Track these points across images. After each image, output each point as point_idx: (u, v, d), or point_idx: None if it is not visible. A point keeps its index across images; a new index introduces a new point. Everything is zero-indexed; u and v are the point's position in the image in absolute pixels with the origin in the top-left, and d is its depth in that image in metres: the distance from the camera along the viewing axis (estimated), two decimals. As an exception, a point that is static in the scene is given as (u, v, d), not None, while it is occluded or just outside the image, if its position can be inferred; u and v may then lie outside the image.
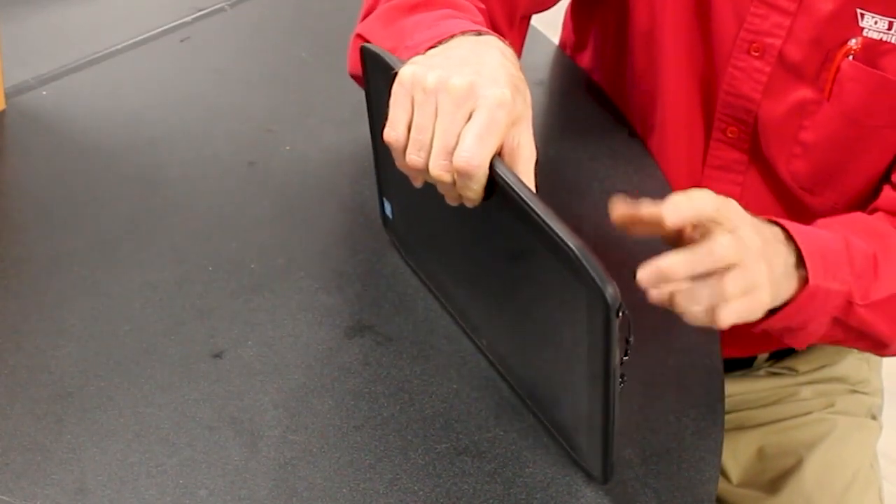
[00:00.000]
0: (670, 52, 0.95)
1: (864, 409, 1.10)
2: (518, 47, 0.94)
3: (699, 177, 0.99)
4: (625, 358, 0.64)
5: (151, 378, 0.74)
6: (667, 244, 0.74)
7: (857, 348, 0.98)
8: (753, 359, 1.09)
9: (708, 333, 0.81)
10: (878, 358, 1.12)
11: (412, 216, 0.83)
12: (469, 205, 0.68)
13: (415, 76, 0.67)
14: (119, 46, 1.09)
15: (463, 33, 0.73)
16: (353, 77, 0.89)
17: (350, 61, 0.89)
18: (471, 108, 0.66)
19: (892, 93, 0.87)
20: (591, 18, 1.08)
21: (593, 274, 0.60)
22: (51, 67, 1.04)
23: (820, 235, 0.80)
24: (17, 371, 0.74)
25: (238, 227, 0.88)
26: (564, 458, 0.72)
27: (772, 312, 0.77)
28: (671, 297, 0.69)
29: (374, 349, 0.78)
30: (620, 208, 0.73)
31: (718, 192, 0.98)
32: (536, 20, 1.02)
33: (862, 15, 0.85)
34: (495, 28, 0.88)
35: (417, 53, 0.72)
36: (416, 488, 0.69)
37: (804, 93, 0.90)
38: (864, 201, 0.94)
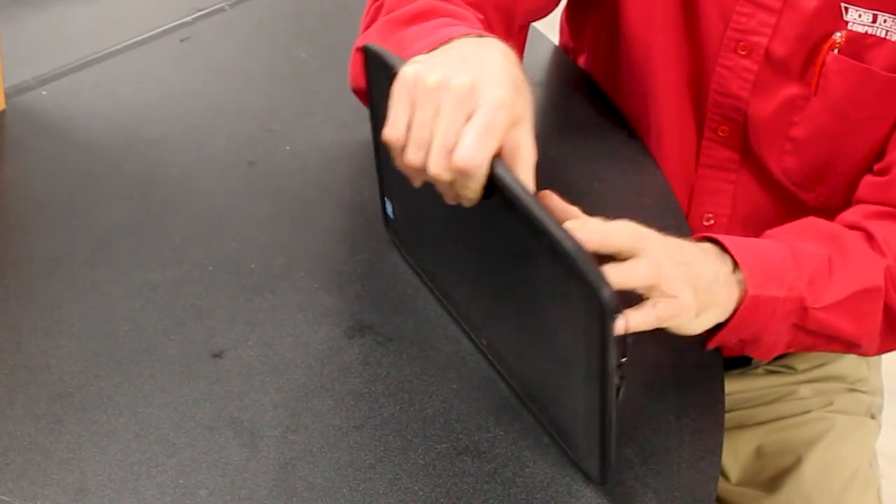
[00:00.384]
0: (660, 54, 0.96)
1: (863, 408, 1.10)
2: (518, 56, 0.95)
3: (693, 176, 0.99)
4: (623, 360, 0.64)
5: (151, 378, 0.74)
6: None
7: (831, 351, 0.98)
8: (751, 357, 1.09)
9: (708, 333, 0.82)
10: (876, 357, 1.12)
11: (413, 216, 0.83)
12: (467, 204, 0.68)
13: (416, 75, 0.67)
14: (119, 46, 1.09)
15: (464, 36, 0.73)
16: (355, 92, 0.90)
17: (351, 76, 0.90)
18: (471, 109, 0.66)
19: (876, 85, 0.87)
20: (585, 23, 1.09)
21: (590, 276, 0.60)
22: (51, 67, 1.04)
23: (759, 246, 0.81)
24: (17, 371, 0.74)
25: (238, 227, 0.88)
26: (564, 459, 0.72)
27: (720, 327, 0.78)
28: None
29: (374, 349, 0.78)
30: (551, 200, 0.74)
31: (712, 190, 0.99)
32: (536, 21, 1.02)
33: (846, 9, 0.86)
34: None
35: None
36: (416, 488, 0.69)
37: (792, 89, 0.91)
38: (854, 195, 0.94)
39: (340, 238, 0.89)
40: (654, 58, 0.96)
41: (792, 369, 1.09)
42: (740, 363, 1.09)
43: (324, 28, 1.17)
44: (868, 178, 0.91)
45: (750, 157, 0.97)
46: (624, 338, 0.65)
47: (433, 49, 0.72)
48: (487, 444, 0.72)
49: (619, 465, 0.71)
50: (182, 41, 1.11)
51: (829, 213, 0.95)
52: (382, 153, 0.81)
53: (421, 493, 0.69)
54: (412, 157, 0.67)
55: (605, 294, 0.60)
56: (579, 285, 0.61)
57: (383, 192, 0.85)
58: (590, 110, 1.07)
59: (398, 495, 0.69)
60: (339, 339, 0.79)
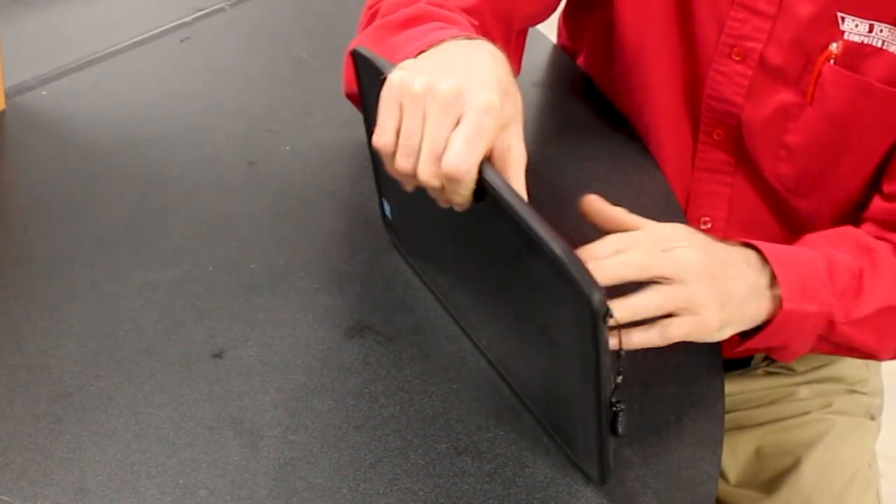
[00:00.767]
0: (655, 57, 0.96)
1: (863, 409, 1.10)
2: (516, 62, 0.95)
3: (689, 179, 0.99)
4: (619, 380, 0.65)
5: (151, 378, 0.74)
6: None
7: (849, 356, 0.99)
8: (751, 358, 1.09)
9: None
10: (877, 358, 1.12)
11: (411, 217, 0.83)
12: (458, 209, 0.68)
13: (403, 82, 0.67)
14: (119, 46, 1.09)
15: (453, 38, 0.73)
16: (349, 97, 0.90)
17: (345, 80, 0.90)
18: (458, 114, 0.66)
19: (874, 97, 0.87)
20: (582, 26, 1.09)
21: (579, 279, 0.60)
22: (51, 67, 1.04)
23: (799, 256, 0.82)
24: (17, 371, 0.74)
25: (238, 227, 0.88)
26: (564, 459, 0.72)
27: (750, 334, 0.79)
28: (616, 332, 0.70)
29: (374, 349, 0.78)
30: (595, 204, 0.77)
31: (708, 193, 0.99)
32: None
33: (843, 18, 0.85)
34: None
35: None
36: (416, 488, 0.69)
37: (786, 96, 0.90)
38: (851, 203, 0.95)
39: (340, 238, 0.89)
40: (649, 61, 0.96)
41: (791, 370, 1.09)
42: (740, 364, 1.09)
43: (324, 28, 1.17)
44: (878, 201, 0.91)
45: (745, 162, 0.97)
46: (618, 353, 0.65)
47: (422, 52, 0.72)
48: (487, 444, 0.72)
49: (619, 465, 0.71)
50: (182, 41, 1.11)
51: (823, 219, 0.95)
52: (377, 156, 0.81)
53: (421, 493, 0.69)
54: (402, 163, 0.67)
55: (595, 298, 0.60)
56: (570, 288, 0.61)
57: (381, 194, 0.85)
58: (590, 110, 1.07)
59: (398, 495, 0.69)
60: (339, 339, 0.79)
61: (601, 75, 1.08)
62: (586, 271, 0.60)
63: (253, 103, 1.03)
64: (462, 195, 0.66)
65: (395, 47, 0.77)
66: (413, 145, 0.67)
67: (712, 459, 0.74)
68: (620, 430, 0.66)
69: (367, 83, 0.75)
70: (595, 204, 0.77)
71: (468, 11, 0.86)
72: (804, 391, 1.09)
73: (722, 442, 0.75)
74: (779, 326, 0.79)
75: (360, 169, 0.94)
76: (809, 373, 1.09)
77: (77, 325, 0.78)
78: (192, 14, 1.15)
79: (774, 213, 0.98)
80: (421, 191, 0.70)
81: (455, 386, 0.76)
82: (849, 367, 1.10)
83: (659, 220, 0.78)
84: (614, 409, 0.66)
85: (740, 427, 1.08)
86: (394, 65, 0.69)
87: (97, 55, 1.07)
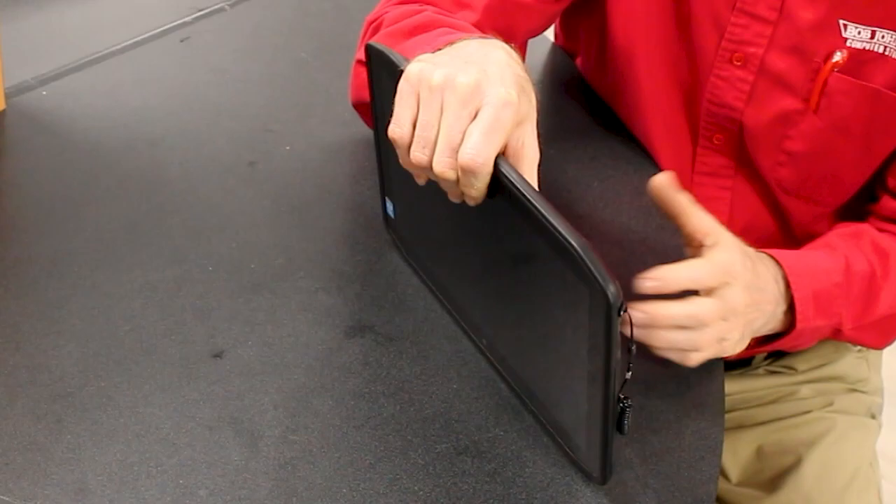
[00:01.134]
0: (647, 63, 0.96)
1: (864, 408, 1.10)
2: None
3: (689, 183, 0.99)
4: (627, 376, 0.65)
5: (151, 378, 0.74)
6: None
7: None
8: (752, 357, 1.09)
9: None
10: (877, 357, 1.12)
11: (415, 215, 0.83)
12: (471, 203, 0.68)
13: (421, 73, 0.67)
14: (119, 46, 1.09)
15: (467, 37, 0.73)
16: (356, 106, 0.90)
17: (353, 88, 0.90)
18: (476, 107, 0.66)
19: (882, 103, 0.87)
20: (577, 30, 1.09)
21: (596, 272, 0.60)
22: (51, 67, 1.04)
23: (819, 269, 0.84)
24: (17, 371, 0.74)
25: (238, 227, 0.88)
26: (564, 459, 0.72)
27: (760, 342, 0.84)
28: (648, 334, 0.73)
29: (374, 349, 0.78)
30: (664, 187, 0.78)
31: (708, 197, 0.99)
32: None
33: (845, 25, 0.85)
34: None
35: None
36: (416, 488, 0.69)
37: (788, 102, 0.90)
38: (851, 207, 0.95)
39: (340, 238, 0.89)
40: (643, 67, 0.96)
41: (792, 369, 1.09)
42: (741, 363, 1.09)
43: (324, 28, 1.17)
44: (888, 199, 0.92)
45: (745, 166, 0.97)
46: (629, 349, 0.65)
47: (438, 50, 0.72)
48: (487, 444, 0.72)
49: (619, 465, 0.71)
50: (182, 41, 1.11)
51: (823, 221, 0.95)
52: (385, 152, 0.80)
53: (421, 493, 0.69)
54: (417, 155, 0.67)
55: (611, 290, 0.60)
56: (585, 283, 0.61)
57: (384, 192, 0.85)
58: (590, 109, 1.07)
59: (398, 495, 0.69)
60: (339, 339, 0.79)
61: (595, 79, 1.07)
62: (602, 264, 0.60)
63: (253, 103, 1.03)
64: (477, 188, 0.66)
65: (405, 52, 0.78)
66: (430, 136, 0.67)
67: (712, 459, 0.74)
68: (626, 427, 0.66)
69: (379, 78, 0.75)
70: (664, 186, 0.78)
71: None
72: (805, 390, 1.09)
73: (722, 442, 0.75)
74: (788, 340, 0.84)
75: (360, 169, 0.94)
76: (810, 372, 1.09)
77: (77, 325, 0.78)
78: (192, 14, 1.15)
79: (775, 216, 0.99)
80: (429, 188, 0.70)
81: (455, 386, 0.76)
82: (849, 365, 1.10)
83: (659, 219, 0.78)
84: (621, 405, 0.66)
85: (741, 426, 1.08)
86: (409, 60, 0.69)
87: (97, 55, 1.07)
